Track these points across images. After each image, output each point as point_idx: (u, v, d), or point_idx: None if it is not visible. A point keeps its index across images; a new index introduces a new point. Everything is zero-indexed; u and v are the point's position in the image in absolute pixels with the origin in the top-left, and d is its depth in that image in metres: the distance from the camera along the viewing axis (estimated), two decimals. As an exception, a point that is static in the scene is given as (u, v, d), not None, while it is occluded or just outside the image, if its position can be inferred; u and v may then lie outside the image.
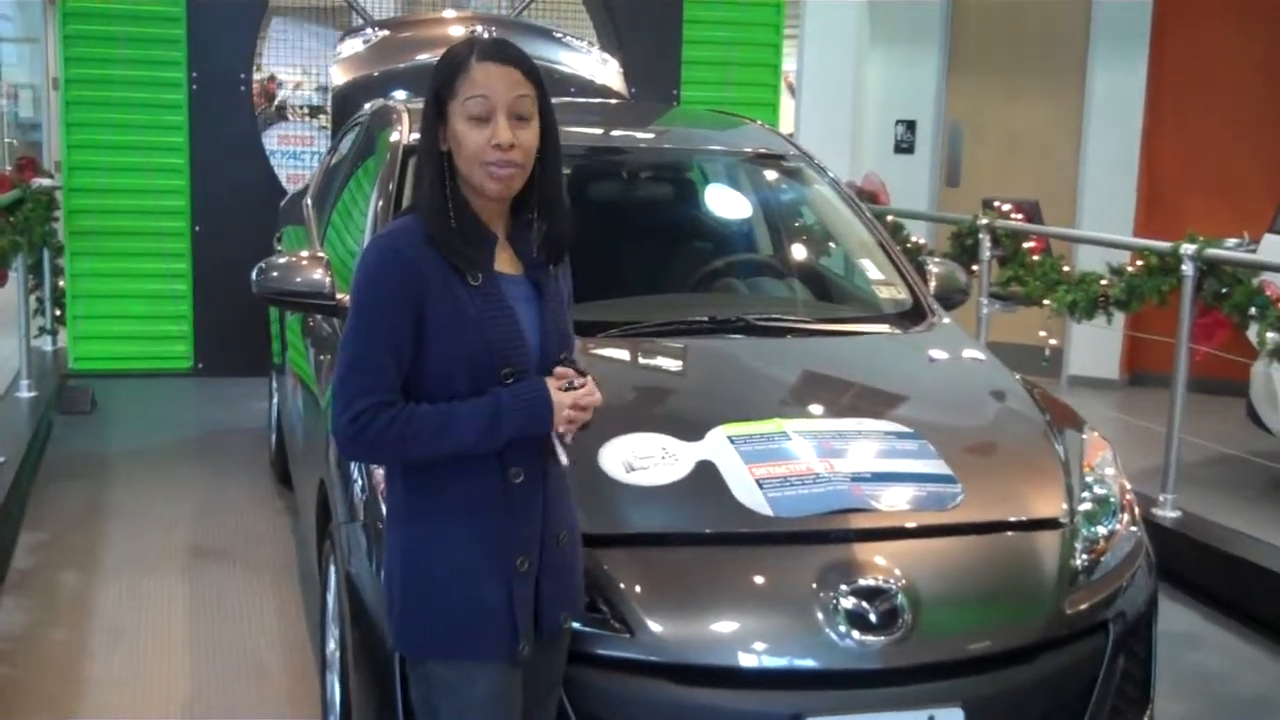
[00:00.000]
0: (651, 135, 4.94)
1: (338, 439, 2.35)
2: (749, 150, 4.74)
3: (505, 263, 2.41)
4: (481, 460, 2.34)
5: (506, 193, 2.35)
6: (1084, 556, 3.05)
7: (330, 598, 3.40)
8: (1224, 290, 5.50)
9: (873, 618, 2.71)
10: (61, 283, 8.04)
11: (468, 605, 2.36)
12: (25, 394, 6.94)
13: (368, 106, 5.31)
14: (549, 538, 2.42)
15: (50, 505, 5.70)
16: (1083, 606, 2.95)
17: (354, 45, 6.90)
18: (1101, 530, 3.16)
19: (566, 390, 2.33)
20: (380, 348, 2.29)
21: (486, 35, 2.42)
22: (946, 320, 4.11)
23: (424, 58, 6.44)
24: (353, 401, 2.29)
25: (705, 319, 3.84)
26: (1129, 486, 3.43)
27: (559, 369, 2.38)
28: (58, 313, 8.11)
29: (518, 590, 2.37)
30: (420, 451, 2.31)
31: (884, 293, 4.25)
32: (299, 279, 3.80)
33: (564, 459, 2.37)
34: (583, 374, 2.39)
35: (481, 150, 2.29)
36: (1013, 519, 3.09)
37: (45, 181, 7.66)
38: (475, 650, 2.37)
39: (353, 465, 3.16)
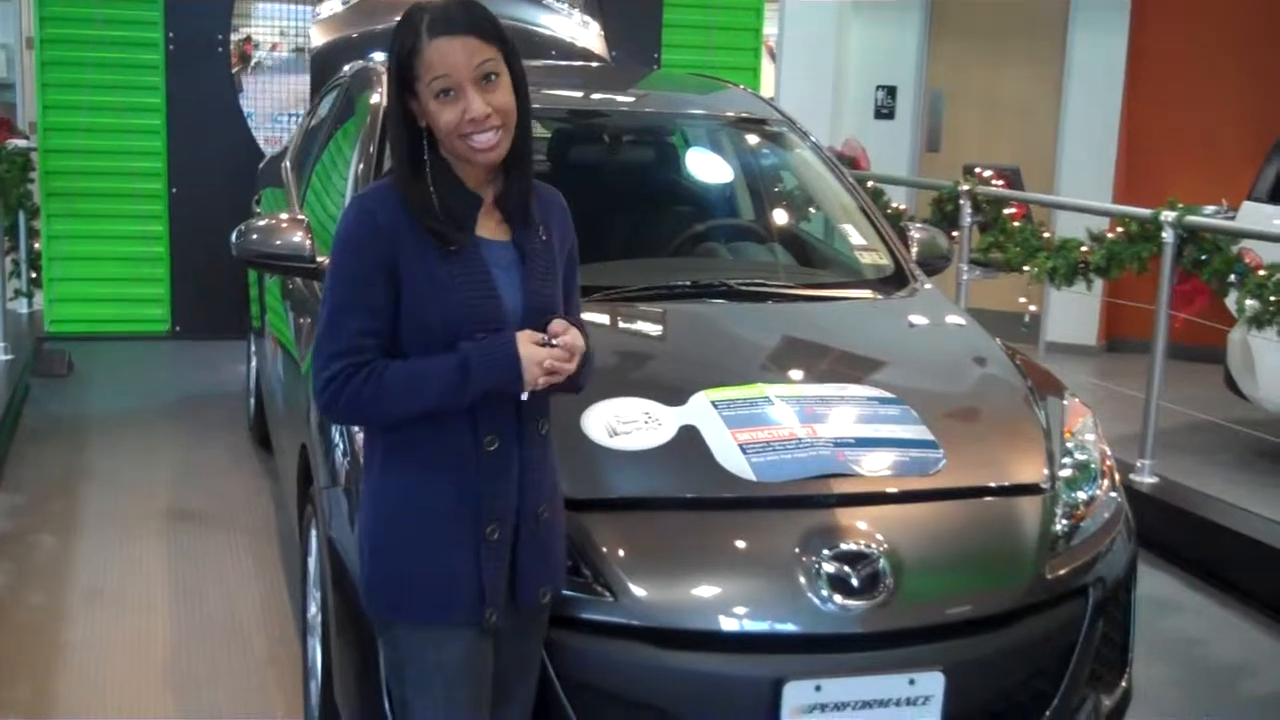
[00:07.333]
0: (633, 99, 4.90)
1: (317, 402, 2.33)
2: (731, 114, 4.71)
3: (490, 227, 2.38)
4: (455, 424, 2.31)
5: (494, 159, 2.31)
6: (1064, 522, 3.07)
7: (311, 562, 3.40)
8: (1203, 257, 5.52)
9: (854, 582, 2.71)
10: (37, 245, 7.99)
11: (433, 570, 2.34)
12: (1, 357, 6.89)
13: (347, 68, 5.26)
14: (528, 513, 2.39)
15: (27, 468, 5.67)
16: (1063, 571, 2.96)
17: (333, 6, 6.86)
18: (1082, 496, 3.18)
19: (543, 347, 2.28)
20: (355, 309, 2.27)
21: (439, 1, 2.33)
22: (928, 286, 4.11)
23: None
24: (329, 363, 2.27)
25: (687, 283, 3.82)
26: (1109, 452, 3.44)
27: (553, 324, 2.33)
28: (33, 275, 8.06)
29: (487, 559, 2.34)
30: (394, 410, 2.28)
31: (866, 258, 4.24)
32: (279, 241, 3.77)
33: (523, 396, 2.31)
34: (578, 325, 2.35)
35: (457, 125, 2.25)
36: (994, 484, 3.10)
37: (20, 142, 7.60)
38: (439, 615, 2.36)
39: (334, 429, 3.14)
